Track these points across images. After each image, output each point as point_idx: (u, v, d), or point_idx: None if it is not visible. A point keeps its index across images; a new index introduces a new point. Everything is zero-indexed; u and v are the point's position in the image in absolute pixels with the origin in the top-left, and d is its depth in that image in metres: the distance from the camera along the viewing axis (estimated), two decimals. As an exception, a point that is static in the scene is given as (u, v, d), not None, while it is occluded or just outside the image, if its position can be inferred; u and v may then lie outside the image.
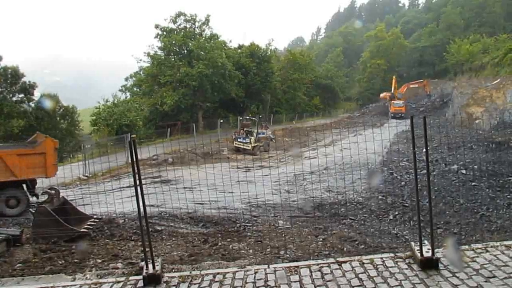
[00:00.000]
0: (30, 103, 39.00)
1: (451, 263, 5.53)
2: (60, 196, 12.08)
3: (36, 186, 16.11)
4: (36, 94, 39.62)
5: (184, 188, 18.13)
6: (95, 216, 12.29)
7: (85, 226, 11.16)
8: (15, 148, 16.16)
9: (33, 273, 7.61)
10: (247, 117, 38.08)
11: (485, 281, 4.98)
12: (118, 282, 5.89)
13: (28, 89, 38.71)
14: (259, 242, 10.57)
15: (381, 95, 63.37)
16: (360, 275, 5.42)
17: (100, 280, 6.20)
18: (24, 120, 35.49)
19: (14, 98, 38.32)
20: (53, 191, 11.66)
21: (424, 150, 5.62)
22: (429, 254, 5.48)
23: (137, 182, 5.56)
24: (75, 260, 8.61)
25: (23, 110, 37.06)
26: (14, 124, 33.95)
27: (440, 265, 5.45)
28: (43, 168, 15.54)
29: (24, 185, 15.74)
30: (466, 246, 6.24)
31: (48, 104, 38.54)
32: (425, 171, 5.94)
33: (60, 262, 8.44)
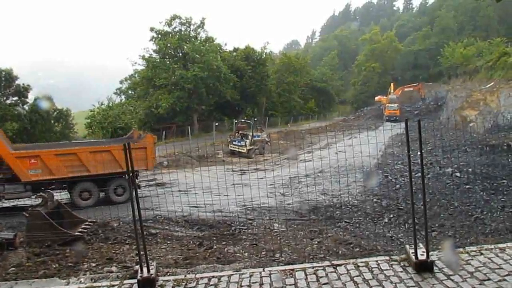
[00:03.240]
0: (24, 106, 38.80)
1: (446, 265, 5.55)
2: (54, 199, 12.02)
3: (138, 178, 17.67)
4: (30, 97, 39.44)
5: (179, 191, 18.06)
6: (89, 220, 12.23)
7: (79, 230, 11.11)
8: (121, 143, 17.07)
9: (27, 277, 7.56)
10: (242, 120, 38.02)
11: (480, 284, 4.99)
12: (113, 285, 5.86)
13: (22, 92, 38.50)
14: (254, 245, 10.57)
15: (376, 98, 63.62)
16: (355, 278, 5.43)
17: (94, 284, 6.17)
18: (18, 123, 35.28)
19: (8, 101, 38.08)
20: (46, 195, 11.60)
21: (419, 153, 5.63)
22: (424, 257, 5.49)
23: (132, 185, 5.55)
24: (69, 264, 8.55)
25: (17, 113, 36.82)
26: (8, 127, 33.72)
27: (435, 267, 5.46)
28: (145, 161, 17.24)
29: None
30: (461, 249, 6.26)
31: (42, 106, 38.37)
32: (419, 174, 5.96)
33: (54, 266, 8.38)
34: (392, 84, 63.67)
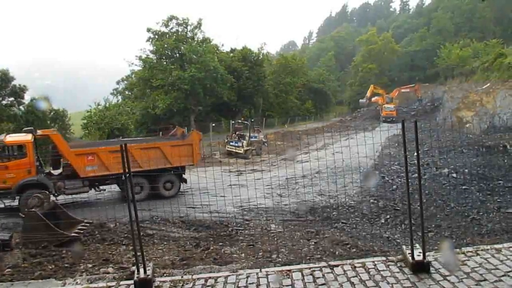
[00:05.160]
0: (20, 107, 38.69)
1: (443, 266, 5.56)
2: (51, 200, 11.99)
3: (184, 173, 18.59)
4: (27, 98, 39.33)
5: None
6: (85, 220, 12.20)
7: (76, 231, 11.08)
8: (169, 140, 19.12)
9: (23, 278, 7.53)
10: (239, 121, 37.99)
11: (476, 285, 5.00)
12: (109, 287, 5.84)
13: (18, 92, 38.39)
14: (251, 246, 10.57)
15: (373, 99, 63.68)
16: (352, 279, 5.43)
17: (91, 285, 6.15)
18: (14, 123, 35.15)
19: (4, 102, 37.98)
20: (43, 195, 11.56)
21: (415, 153, 5.64)
22: (421, 258, 5.50)
23: (129, 185, 5.54)
24: (66, 265, 8.53)
25: (13, 114, 36.73)
26: (4, 128, 33.57)
27: (431, 268, 5.47)
28: (191, 157, 18.15)
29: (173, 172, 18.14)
30: (457, 250, 6.27)
31: (38, 107, 38.26)
32: (416, 174, 5.97)
33: (50, 267, 8.35)
34: (371, 86, 64.07)
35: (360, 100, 62.76)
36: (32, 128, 17.69)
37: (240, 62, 53.77)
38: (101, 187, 17.11)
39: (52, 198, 15.75)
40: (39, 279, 7.42)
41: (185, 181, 18.46)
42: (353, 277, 5.49)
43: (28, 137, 16.12)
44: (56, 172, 17.33)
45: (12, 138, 16.60)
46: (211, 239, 11.52)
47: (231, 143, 32.27)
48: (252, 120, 37.49)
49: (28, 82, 40.68)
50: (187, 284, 5.69)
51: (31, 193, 14.80)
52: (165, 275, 6.63)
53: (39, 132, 17.42)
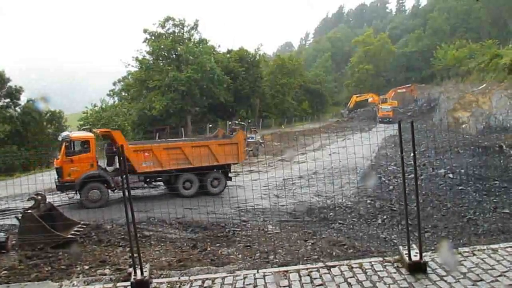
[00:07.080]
0: (17, 108, 38.57)
1: (440, 266, 5.57)
2: (47, 202, 11.94)
3: (230, 171, 19.37)
4: (23, 99, 39.23)
5: (173, 192, 18.05)
6: (82, 222, 12.17)
7: (72, 232, 11.05)
8: (216, 139, 19.86)
9: (19, 280, 7.49)
10: (236, 122, 38.02)
11: (473, 285, 5.02)
12: (106, 288, 5.82)
13: (14, 93, 38.27)
14: (248, 247, 10.56)
15: (369, 100, 63.86)
16: (349, 279, 5.43)
17: (87, 287, 6.14)
18: (10, 125, 35.06)
19: (-1, 103, 37.88)
20: (39, 197, 11.51)
21: (412, 154, 5.65)
22: (417, 258, 5.51)
23: (125, 187, 5.53)
24: (62, 267, 8.50)
25: (9, 115, 36.60)
26: (0, 129, 33.53)
27: (428, 268, 5.49)
28: (236, 155, 18.79)
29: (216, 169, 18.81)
30: (454, 250, 6.29)
31: (34, 108, 38.16)
32: (412, 175, 5.99)
33: (47, 269, 8.32)
34: (353, 97, 64.83)
35: (341, 111, 64.15)
36: (90, 127, 19.17)
37: (237, 63, 53.78)
38: (153, 183, 18.10)
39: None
40: (35, 281, 7.39)
41: (230, 179, 19.10)
42: (350, 277, 5.50)
43: (91, 133, 17.67)
44: (110, 168, 18.04)
45: (77, 134, 18.04)
46: (208, 240, 11.50)
47: (228, 144, 32.19)
48: (249, 121, 37.54)
49: (24, 83, 40.65)
50: (184, 285, 5.68)
51: (93, 186, 16.28)
52: (162, 276, 6.61)
53: (98, 130, 18.85)
